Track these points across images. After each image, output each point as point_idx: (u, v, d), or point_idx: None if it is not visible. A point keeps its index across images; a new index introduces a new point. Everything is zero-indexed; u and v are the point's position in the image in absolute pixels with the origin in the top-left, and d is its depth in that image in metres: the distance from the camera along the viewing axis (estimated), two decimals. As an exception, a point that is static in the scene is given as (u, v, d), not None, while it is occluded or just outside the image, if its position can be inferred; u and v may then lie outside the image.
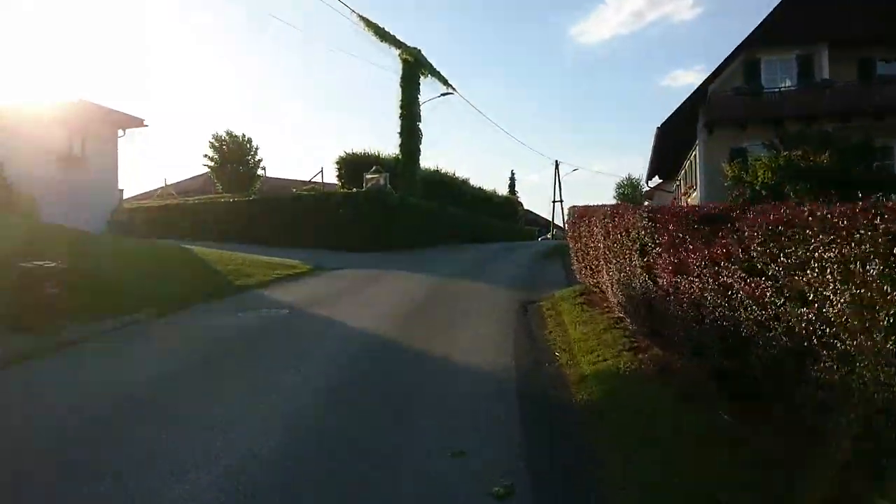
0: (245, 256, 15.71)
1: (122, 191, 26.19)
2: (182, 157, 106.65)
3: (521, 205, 51.84)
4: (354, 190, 23.25)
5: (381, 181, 23.58)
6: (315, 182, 29.88)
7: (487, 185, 41.09)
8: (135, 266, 12.49)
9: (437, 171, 32.46)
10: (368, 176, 23.44)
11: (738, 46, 21.66)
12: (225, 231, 22.84)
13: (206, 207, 24.57)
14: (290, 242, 21.89)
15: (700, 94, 22.15)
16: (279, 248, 20.80)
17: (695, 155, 24.13)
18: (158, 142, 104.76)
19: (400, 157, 26.95)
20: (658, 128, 22.92)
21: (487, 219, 36.17)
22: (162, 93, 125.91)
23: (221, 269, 13.62)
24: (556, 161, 64.91)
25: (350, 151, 28.43)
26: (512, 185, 70.02)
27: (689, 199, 27.25)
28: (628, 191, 28.96)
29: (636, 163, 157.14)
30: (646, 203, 31.99)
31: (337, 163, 28.07)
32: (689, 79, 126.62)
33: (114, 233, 23.88)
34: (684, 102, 22.43)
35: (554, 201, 66.16)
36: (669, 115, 22.63)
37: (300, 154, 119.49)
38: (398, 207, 22.82)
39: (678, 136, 24.60)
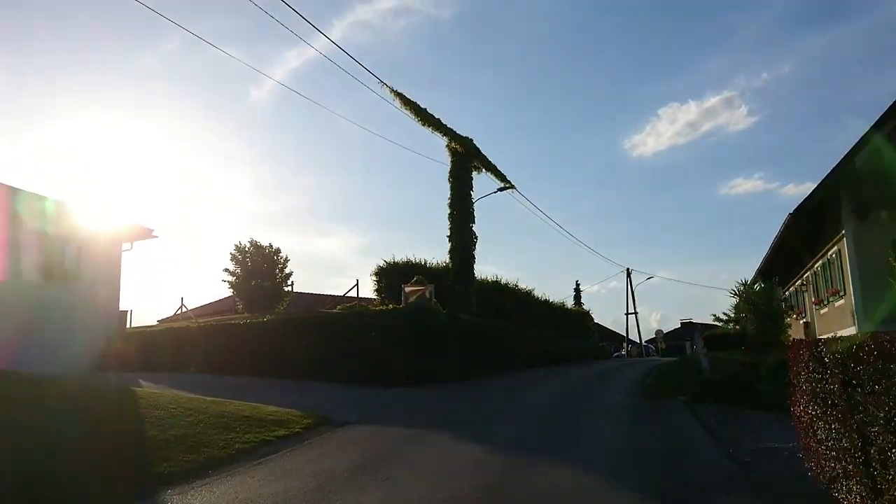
0: (219, 406, 10.71)
1: (125, 313, 22.39)
2: (206, 275, 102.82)
3: (593, 318, 45.70)
4: (391, 306, 18.38)
5: (427, 294, 18.74)
6: (350, 297, 25.29)
7: (551, 297, 35.47)
8: (23, 439, 7.71)
9: (496, 282, 27.48)
10: (409, 289, 18.61)
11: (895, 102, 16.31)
12: (234, 360, 18.21)
13: (216, 331, 20.16)
14: (310, 374, 16.96)
15: (842, 170, 16.67)
16: (294, 381, 16.03)
17: (837, 250, 18.26)
18: (178, 258, 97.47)
19: (450, 264, 22.21)
20: (791, 214, 17.34)
21: (558, 337, 30.36)
22: (176, 204, 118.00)
23: (157, 436, 8.60)
24: (628, 269, 59.10)
25: (390, 260, 24.01)
26: (577, 297, 63.76)
27: (824, 311, 20.92)
28: (759, 300, 21.40)
29: (706, 270, 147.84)
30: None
31: (375, 274, 23.59)
32: (749, 186, 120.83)
33: (106, 365, 19.70)
34: (821, 183, 16.97)
35: (627, 313, 59.76)
36: (803, 199, 17.10)
37: (339, 266, 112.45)
38: (447, 327, 17.70)
39: (805, 228, 18.94)
